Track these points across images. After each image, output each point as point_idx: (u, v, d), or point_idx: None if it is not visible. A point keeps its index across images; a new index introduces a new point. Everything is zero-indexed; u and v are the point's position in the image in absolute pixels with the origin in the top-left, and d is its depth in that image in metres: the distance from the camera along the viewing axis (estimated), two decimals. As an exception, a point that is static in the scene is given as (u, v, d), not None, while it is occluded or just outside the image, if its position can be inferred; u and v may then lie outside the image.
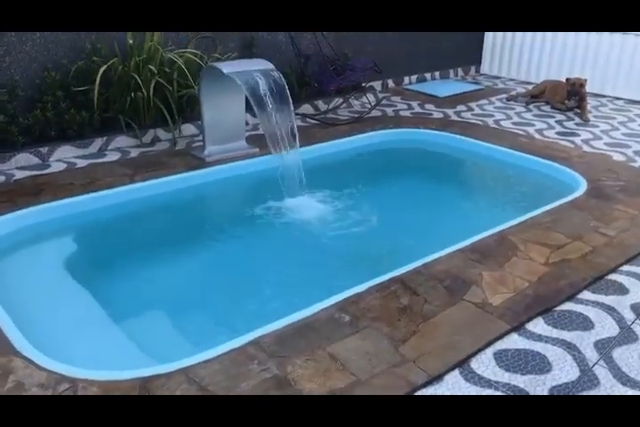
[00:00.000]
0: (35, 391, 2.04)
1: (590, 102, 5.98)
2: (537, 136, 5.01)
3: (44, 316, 2.67)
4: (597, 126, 5.34)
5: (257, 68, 3.99)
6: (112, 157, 4.33)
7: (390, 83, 6.63)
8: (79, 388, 2.06)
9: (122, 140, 4.52)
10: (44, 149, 4.19)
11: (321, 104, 5.64)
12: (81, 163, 4.19)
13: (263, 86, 3.88)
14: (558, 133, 5.11)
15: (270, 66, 4.04)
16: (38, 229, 3.36)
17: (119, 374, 2.13)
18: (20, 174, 3.95)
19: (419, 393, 2.11)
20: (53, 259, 3.20)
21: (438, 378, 2.18)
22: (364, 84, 5.92)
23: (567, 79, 5.74)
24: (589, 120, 5.50)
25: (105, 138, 4.45)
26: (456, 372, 2.23)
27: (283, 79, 3.97)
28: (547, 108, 5.93)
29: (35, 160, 4.15)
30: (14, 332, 2.34)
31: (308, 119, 5.31)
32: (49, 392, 2.03)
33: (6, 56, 4.10)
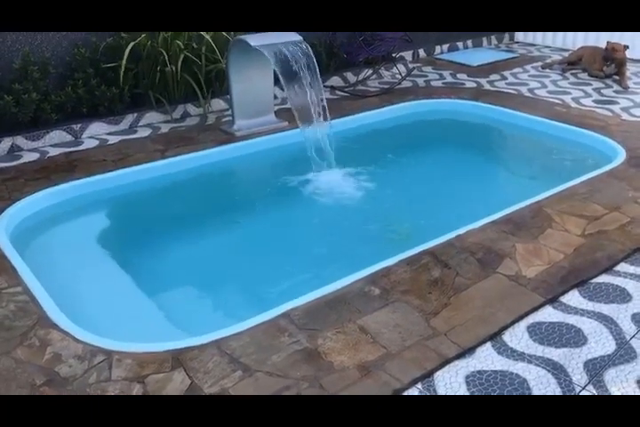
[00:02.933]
0: (71, 363, 2.09)
1: (630, 69, 5.74)
2: (573, 105, 4.85)
3: (80, 289, 2.72)
4: (637, 93, 5.14)
5: (285, 40, 3.93)
6: (143, 132, 4.36)
7: (421, 52, 6.48)
8: (114, 360, 2.10)
9: (152, 116, 4.54)
10: (77, 126, 4.24)
11: (350, 76, 5.56)
12: (112, 139, 4.23)
13: (291, 59, 3.83)
14: (596, 101, 4.94)
15: (298, 38, 3.97)
16: (72, 205, 3.41)
17: (153, 347, 2.17)
18: (53, 151, 4.01)
19: (450, 366, 2.10)
20: (87, 233, 3.25)
21: (470, 351, 2.17)
22: (394, 55, 5.79)
23: (607, 42, 5.53)
24: (629, 87, 5.30)
25: (135, 114, 4.47)
26: (488, 345, 2.20)
27: (311, 51, 3.90)
28: (584, 75, 5.73)
29: (68, 137, 4.20)
30: (51, 305, 2.39)
31: (337, 91, 5.24)
32: (85, 364, 2.08)
33: (38, 34, 4.13)
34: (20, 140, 4.02)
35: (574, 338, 2.24)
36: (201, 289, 2.82)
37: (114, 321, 2.50)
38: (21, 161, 3.86)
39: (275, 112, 4.50)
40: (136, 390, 1.98)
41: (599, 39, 6.26)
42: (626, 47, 5.46)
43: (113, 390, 1.98)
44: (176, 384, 2.00)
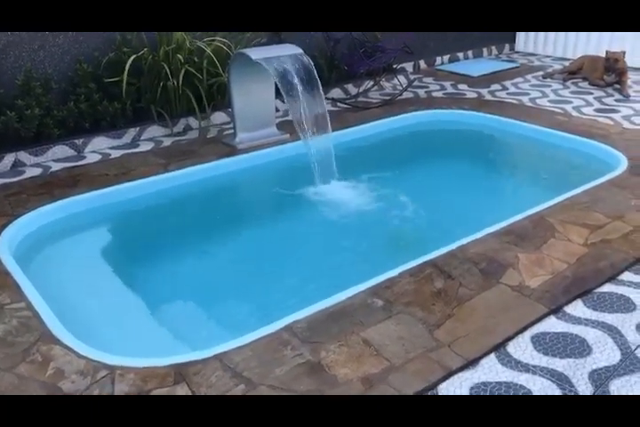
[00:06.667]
0: (74, 378, 2.08)
1: (631, 77, 5.75)
2: (574, 114, 4.86)
3: (83, 304, 2.72)
4: (639, 101, 5.15)
5: (285, 53, 3.96)
6: (145, 146, 4.38)
7: (422, 64, 6.51)
8: (117, 375, 2.09)
9: (154, 130, 4.56)
10: (79, 141, 4.26)
11: (351, 88, 5.58)
12: (115, 153, 4.25)
13: (292, 71, 3.85)
14: (597, 110, 4.95)
15: (299, 50, 4.00)
16: (75, 220, 3.42)
17: (155, 361, 2.16)
18: (56, 166, 4.02)
19: (454, 378, 2.08)
20: (90, 248, 3.25)
21: (474, 362, 2.15)
22: (394, 66, 5.83)
23: (607, 52, 5.54)
24: (630, 95, 5.31)
25: (138, 128, 4.49)
26: (492, 356, 2.19)
27: (312, 63, 3.93)
28: (585, 84, 5.74)
29: (70, 152, 4.22)
30: (54, 321, 2.39)
31: (338, 103, 5.26)
32: (88, 380, 2.08)
33: (40, 50, 4.17)
34: (22, 156, 4.04)
35: (579, 348, 2.22)
36: (204, 303, 2.81)
37: (116, 336, 2.49)
38: (24, 176, 3.87)
39: (276, 124, 4.52)
40: (139, 405, 1.97)
41: (599, 48, 6.28)
42: (623, 53, 5.48)
43: (115, 405, 1.97)
44: (179, 399, 1.99)
